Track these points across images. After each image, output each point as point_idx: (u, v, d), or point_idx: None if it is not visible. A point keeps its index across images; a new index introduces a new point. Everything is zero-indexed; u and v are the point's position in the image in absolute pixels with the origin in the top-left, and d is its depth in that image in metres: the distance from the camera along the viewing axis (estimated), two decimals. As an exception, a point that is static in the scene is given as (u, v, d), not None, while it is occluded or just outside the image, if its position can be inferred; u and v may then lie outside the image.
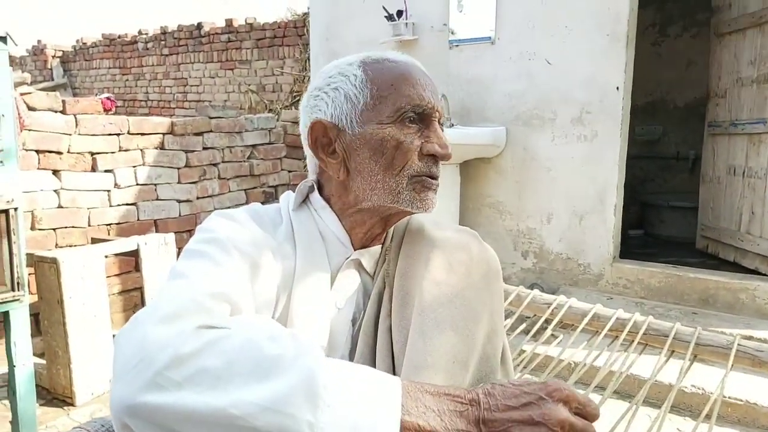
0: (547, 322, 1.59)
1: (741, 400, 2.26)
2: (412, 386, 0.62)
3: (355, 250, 0.88)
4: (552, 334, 1.55)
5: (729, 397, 2.26)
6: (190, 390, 0.56)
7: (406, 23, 3.69)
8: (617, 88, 3.10)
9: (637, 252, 3.58)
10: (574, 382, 1.43)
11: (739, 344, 1.37)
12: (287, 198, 0.93)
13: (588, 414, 0.61)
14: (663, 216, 4.65)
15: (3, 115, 1.80)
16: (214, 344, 0.60)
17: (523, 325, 1.61)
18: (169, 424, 0.56)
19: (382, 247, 0.91)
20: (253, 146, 3.95)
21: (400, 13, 3.68)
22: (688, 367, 1.43)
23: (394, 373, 0.78)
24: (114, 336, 0.66)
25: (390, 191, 0.83)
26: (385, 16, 3.72)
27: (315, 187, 0.92)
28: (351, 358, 0.83)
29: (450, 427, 0.59)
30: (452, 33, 3.60)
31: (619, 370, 1.43)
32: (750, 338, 1.41)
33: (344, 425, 0.57)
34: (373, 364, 0.80)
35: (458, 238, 0.88)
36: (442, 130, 0.87)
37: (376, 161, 0.83)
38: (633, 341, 1.48)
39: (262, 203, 0.96)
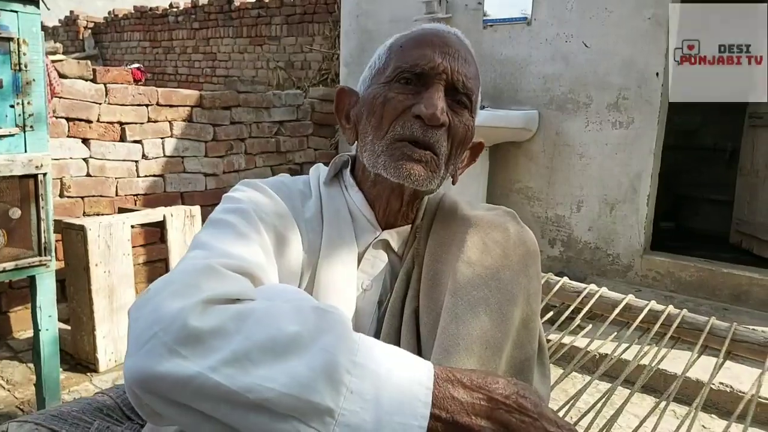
0: (576, 311, 1.54)
1: (772, 401, 2.19)
2: (444, 374, 0.58)
3: (382, 229, 0.85)
4: (579, 325, 1.51)
5: (760, 397, 2.19)
6: (204, 366, 0.53)
7: (440, 1, 3.61)
8: (657, 74, 3.00)
9: (668, 244, 3.49)
10: (602, 375, 1.39)
11: (778, 343, 1.31)
12: (317, 171, 0.91)
13: None
14: (697, 208, 4.53)
15: (34, 80, 1.80)
16: (231, 318, 0.56)
17: (550, 314, 1.57)
18: (182, 400, 0.54)
19: (412, 227, 0.88)
20: (280, 123, 3.93)
21: (434, -10, 3.61)
22: (722, 363, 1.37)
23: (419, 355, 0.75)
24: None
25: (372, 153, 0.80)
26: (419, -6, 3.65)
27: (349, 162, 0.90)
28: None
29: (476, 423, 0.57)
30: (486, 13, 3.51)
31: (650, 364, 1.39)
32: (785, 337, 1.35)
33: (366, 416, 0.53)
34: (398, 346, 0.77)
35: (494, 217, 0.83)
36: (460, 99, 0.80)
37: (369, 121, 0.81)
38: (665, 334, 1.43)
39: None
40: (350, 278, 0.81)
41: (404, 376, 0.56)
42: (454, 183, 0.91)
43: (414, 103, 0.77)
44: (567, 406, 1.31)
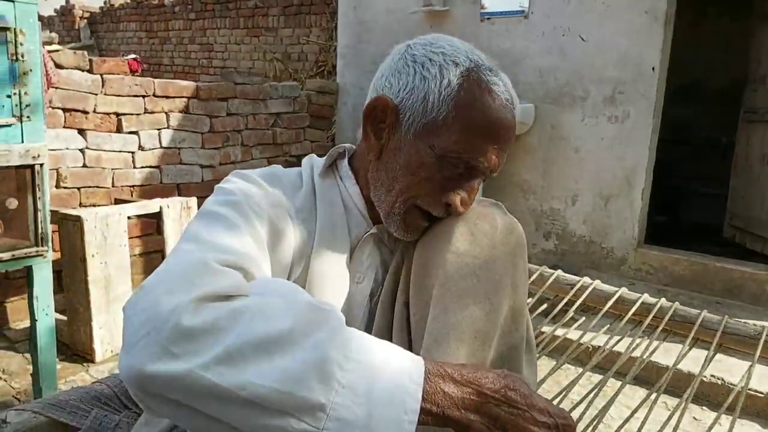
0: (569, 303, 1.56)
1: (762, 393, 2.22)
2: (435, 369, 0.60)
3: (375, 224, 0.86)
4: (572, 317, 1.52)
5: (750, 389, 2.22)
6: (196, 364, 0.54)
7: (438, -7, 3.60)
8: (653, 68, 3.01)
9: (662, 238, 3.51)
10: (593, 367, 1.41)
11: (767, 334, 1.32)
12: (310, 162, 0.90)
13: None
14: (690, 202, 4.55)
15: (31, 70, 1.80)
16: (224, 316, 0.57)
17: (544, 306, 1.59)
18: (176, 398, 0.55)
19: None
20: (277, 114, 3.92)
21: (431, -17, 3.60)
22: (713, 356, 1.39)
23: (410, 347, 0.76)
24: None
25: (387, 203, 0.80)
26: (416, -14, 3.64)
27: (346, 154, 0.90)
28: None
29: (466, 417, 0.59)
30: (484, 6, 3.51)
31: (641, 356, 1.40)
32: (776, 330, 1.36)
33: (358, 411, 0.54)
34: (390, 339, 0.77)
35: (481, 209, 0.83)
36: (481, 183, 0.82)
37: (403, 174, 0.78)
38: (657, 327, 1.45)
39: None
40: (343, 271, 0.81)
41: (396, 370, 0.58)
42: None
43: (450, 190, 0.78)
44: (559, 397, 1.33)
